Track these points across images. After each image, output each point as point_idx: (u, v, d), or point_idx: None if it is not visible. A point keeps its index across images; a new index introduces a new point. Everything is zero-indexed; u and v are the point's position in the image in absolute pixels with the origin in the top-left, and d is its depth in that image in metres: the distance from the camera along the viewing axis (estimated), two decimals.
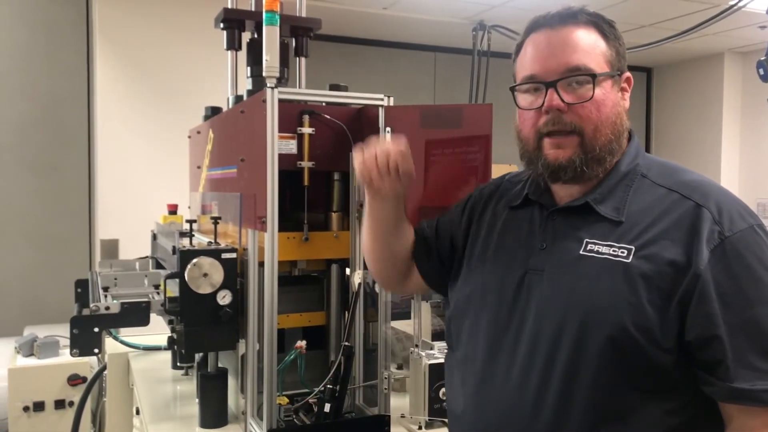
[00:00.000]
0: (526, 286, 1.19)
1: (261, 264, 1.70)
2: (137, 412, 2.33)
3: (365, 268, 1.84)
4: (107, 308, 1.88)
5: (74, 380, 3.27)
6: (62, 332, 3.03)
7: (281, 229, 1.69)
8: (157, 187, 3.73)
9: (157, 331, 2.25)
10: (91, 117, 4.35)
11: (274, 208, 1.64)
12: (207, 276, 1.74)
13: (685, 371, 1.08)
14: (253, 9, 2.25)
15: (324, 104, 1.84)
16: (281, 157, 1.68)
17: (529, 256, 1.21)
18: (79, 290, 2.59)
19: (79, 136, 4.44)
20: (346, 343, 1.74)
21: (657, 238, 1.09)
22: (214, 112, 2.42)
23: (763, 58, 3.13)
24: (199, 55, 4.02)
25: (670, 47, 4.93)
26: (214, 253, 1.76)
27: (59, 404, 3.26)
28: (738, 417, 1.06)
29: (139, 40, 4.02)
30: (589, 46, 1.16)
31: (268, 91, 1.63)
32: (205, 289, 1.74)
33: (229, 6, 2.33)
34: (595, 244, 1.13)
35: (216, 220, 1.94)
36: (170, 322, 1.96)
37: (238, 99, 2.20)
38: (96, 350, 1.89)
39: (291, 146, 1.79)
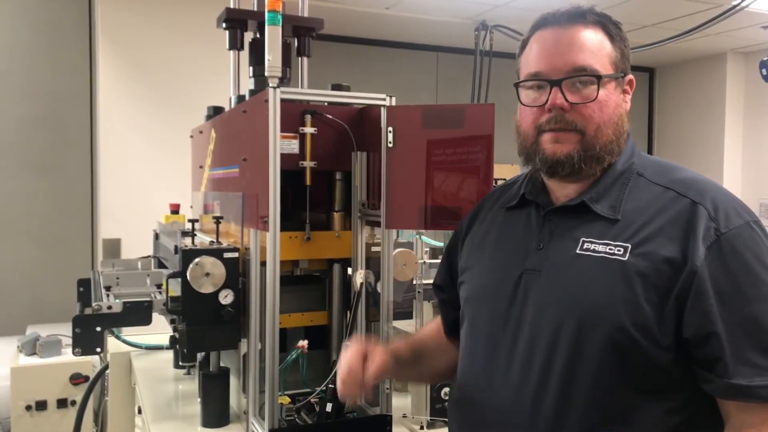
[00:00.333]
0: (524, 286, 1.19)
1: (263, 263, 1.70)
2: (139, 412, 2.34)
3: (367, 267, 1.85)
4: (109, 307, 1.88)
5: (76, 379, 3.28)
6: (65, 331, 3.04)
7: (283, 228, 1.69)
8: (160, 187, 3.74)
9: (159, 330, 2.26)
10: (93, 117, 4.36)
11: (276, 207, 1.64)
12: (209, 275, 1.74)
13: (684, 369, 1.08)
14: (255, 9, 2.26)
15: (326, 104, 1.85)
16: (283, 156, 1.68)
17: (526, 256, 1.21)
18: (81, 289, 2.60)
19: (81, 136, 4.44)
20: (348, 343, 1.74)
21: (653, 235, 1.08)
22: (216, 111, 2.42)
23: (765, 58, 3.12)
24: (202, 54, 4.03)
25: (672, 47, 4.92)
26: (216, 252, 1.76)
27: (61, 403, 3.27)
28: (736, 414, 1.06)
29: (141, 39, 4.03)
30: (595, 47, 1.16)
31: (270, 90, 1.63)
32: (207, 289, 1.74)
33: (232, 6, 2.33)
34: (591, 242, 1.13)
35: (218, 220, 1.94)
36: (172, 322, 1.96)
37: (241, 99, 2.20)
38: (98, 349, 1.90)
39: (293, 146, 1.79)
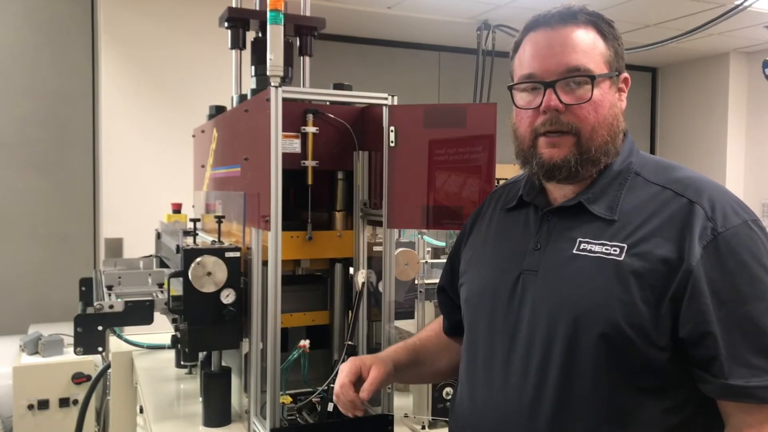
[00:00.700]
0: (521, 287, 1.19)
1: (265, 263, 1.70)
2: (141, 411, 2.34)
3: (369, 267, 1.85)
4: (111, 307, 1.89)
5: (78, 378, 3.28)
6: (67, 330, 3.04)
7: (285, 228, 1.68)
8: (162, 186, 3.74)
9: (161, 329, 2.26)
10: (95, 116, 4.36)
11: (277, 207, 1.64)
12: (211, 275, 1.74)
13: (682, 369, 1.08)
14: (257, 8, 2.26)
15: (328, 103, 1.85)
16: (285, 156, 1.68)
17: (524, 256, 1.21)
18: (83, 289, 2.60)
19: (83, 135, 4.45)
20: (350, 343, 1.74)
21: (649, 235, 1.08)
22: (218, 111, 2.42)
23: None
24: (204, 54, 4.03)
25: (675, 47, 4.92)
26: (218, 252, 1.76)
27: (63, 402, 3.27)
28: (735, 414, 1.06)
29: (143, 39, 4.03)
30: (588, 47, 1.16)
31: (272, 90, 1.63)
32: (208, 288, 1.74)
33: (234, 5, 2.33)
34: (588, 243, 1.13)
35: (220, 219, 1.94)
36: (174, 321, 1.97)
37: (242, 98, 2.20)
38: (100, 348, 1.90)
39: (295, 145, 1.79)
